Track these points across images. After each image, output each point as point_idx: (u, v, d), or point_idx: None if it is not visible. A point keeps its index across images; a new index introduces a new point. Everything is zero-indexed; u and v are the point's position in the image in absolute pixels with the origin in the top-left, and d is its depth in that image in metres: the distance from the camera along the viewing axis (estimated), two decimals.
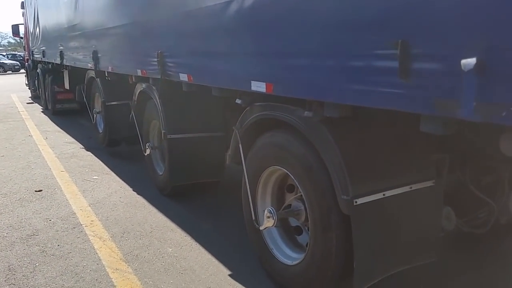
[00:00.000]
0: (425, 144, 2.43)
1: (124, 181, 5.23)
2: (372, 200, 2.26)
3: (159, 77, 3.93)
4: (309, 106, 2.33)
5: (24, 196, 4.77)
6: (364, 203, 2.24)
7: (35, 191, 4.91)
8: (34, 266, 3.25)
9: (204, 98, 4.09)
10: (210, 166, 4.41)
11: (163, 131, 4.33)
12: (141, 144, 5.10)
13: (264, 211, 3.02)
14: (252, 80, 2.63)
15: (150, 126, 4.97)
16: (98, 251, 3.46)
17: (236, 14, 2.71)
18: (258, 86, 2.58)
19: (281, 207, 2.93)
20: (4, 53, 45.43)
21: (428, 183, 2.42)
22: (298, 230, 2.99)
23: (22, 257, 3.39)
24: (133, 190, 4.91)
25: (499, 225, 2.79)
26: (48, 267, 3.23)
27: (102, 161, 6.17)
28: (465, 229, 2.77)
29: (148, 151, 4.87)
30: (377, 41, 1.77)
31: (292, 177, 2.63)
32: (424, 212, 2.47)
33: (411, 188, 2.37)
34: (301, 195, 2.73)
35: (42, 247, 3.54)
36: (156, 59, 3.90)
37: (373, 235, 2.30)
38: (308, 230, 2.89)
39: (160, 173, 4.82)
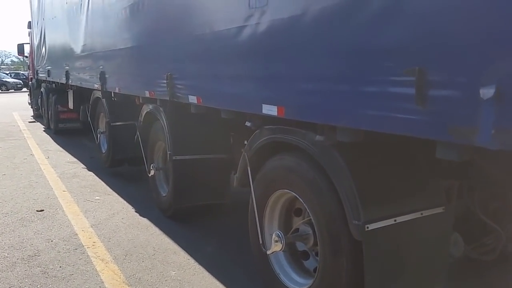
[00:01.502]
0: (434, 169, 2.43)
1: (127, 202, 5.20)
2: (384, 226, 2.24)
3: (168, 98, 3.95)
4: (321, 130, 2.34)
5: (26, 215, 4.73)
6: (376, 228, 2.22)
7: (37, 210, 4.87)
8: None
9: (210, 120, 4.13)
10: (215, 188, 4.40)
11: (168, 152, 4.33)
12: (146, 165, 5.09)
13: (271, 235, 3.00)
14: (264, 104, 2.64)
15: (155, 147, 4.97)
16: (100, 274, 3.41)
17: (248, 38, 2.74)
18: (269, 110, 2.59)
19: (289, 231, 2.91)
20: (8, 72, 45.80)
21: (439, 210, 2.41)
22: (305, 255, 2.95)
23: (23, 278, 3.33)
24: (136, 211, 4.88)
25: (507, 252, 2.78)
26: None
27: (104, 181, 6.14)
28: (472, 256, 2.75)
29: (152, 172, 4.85)
30: (394, 67, 1.78)
31: (302, 201, 2.62)
32: (434, 238, 2.45)
33: (422, 214, 2.36)
34: (310, 219, 2.72)
35: (44, 268, 3.49)
36: (165, 81, 3.93)
37: (384, 261, 2.28)
38: (316, 255, 2.88)
39: (164, 195, 4.79)
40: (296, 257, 2.96)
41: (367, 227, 2.20)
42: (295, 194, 2.70)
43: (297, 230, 2.86)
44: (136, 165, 6.43)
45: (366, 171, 2.34)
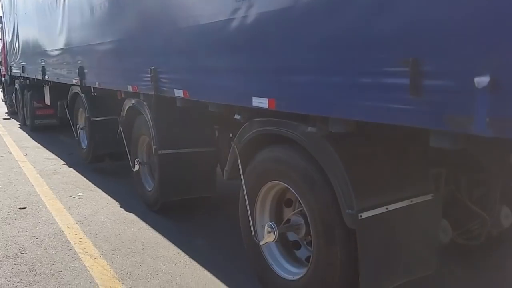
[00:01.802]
0: (422, 158, 2.50)
1: (111, 197, 5.14)
2: (376, 214, 2.30)
3: (152, 93, 3.92)
4: (313, 122, 2.37)
5: (8, 213, 4.63)
6: (369, 217, 2.27)
7: (19, 208, 4.78)
8: (24, 285, 3.15)
9: (195, 113, 4.12)
10: (201, 182, 4.41)
11: (154, 147, 4.30)
12: (129, 160, 5.04)
13: (263, 226, 3.02)
14: (254, 96, 2.65)
15: (139, 142, 4.92)
16: (89, 269, 3.38)
17: (236, 31, 2.74)
18: (260, 102, 2.61)
19: (280, 222, 2.95)
20: None
21: (427, 197, 2.48)
22: (297, 245, 2.99)
23: (11, 276, 3.28)
24: (121, 207, 4.83)
25: (492, 237, 2.88)
26: (40, 286, 3.14)
27: (85, 177, 6.05)
28: (459, 241, 2.84)
29: (137, 167, 4.81)
30: (387, 58, 1.82)
31: (294, 191, 2.65)
32: (424, 225, 2.53)
33: (411, 201, 2.42)
34: (301, 209, 2.76)
35: (31, 266, 3.44)
36: (149, 75, 3.90)
37: (378, 248, 2.34)
38: (307, 245, 2.93)
39: (149, 189, 4.76)
40: (287, 247, 2.99)
41: (361, 216, 2.25)
42: (286, 185, 2.74)
43: (288, 220, 2.90)
44: (117, 160, 6.37)
45: (358, 161, 2.39)
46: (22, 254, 3.63)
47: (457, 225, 2.74)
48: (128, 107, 4.92)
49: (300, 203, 2.89)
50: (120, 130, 5.21)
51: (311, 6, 2.19)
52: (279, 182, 2.81)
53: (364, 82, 1.94)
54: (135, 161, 4.84)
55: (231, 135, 4.33)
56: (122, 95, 5.03)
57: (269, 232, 2.76)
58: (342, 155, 2.33)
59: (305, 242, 2.94)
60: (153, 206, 4.66)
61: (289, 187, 2.70)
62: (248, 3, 2.59)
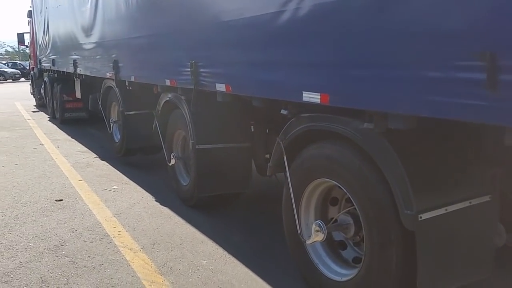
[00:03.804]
0: (481, 156, 2.40)
1: (145, 191, 5.15)
2: (436, 216, 2.21)
3: (192, 87, 3.88)
4: (370, 117, 2.29)
5: (45, 205, 4.68)
6: (428, 218, 2.19)
7: (56, 200, 4.82)
8: (67, 278, 3.16)
9: (232, 108, 4.08)
10: (237, 177, 4.37)
11: (191, 142, 4.27)
12: (165, 154, 5.03)
13: (307, 224, 2.98)
14: (304, 91, 2.59)
15: (175, 136, 4.91)
16: (130, 263, 3.37)
17: (287, 24, 2.67)
18: (311, 97, 2.54)
19: (326, 220, 2.88)
20: (4, 62, 45.42)
21: (485, 198, 2.38)
22: (342, 245, 2.92)
23: (53, 268, 3.29)
24: (156, 201, 4.83)
25: None
26: (82, 279, 3.14)
27: (119, 170, 6.09)
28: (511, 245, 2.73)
29: (173, 161, 4.80)
30: (460, 52, 1.73)
31: (345, 190, 2.58)
32: (481, 227, 2.43)
33: (470, 203, 2.33)
34: (350, 209, 2.69)
35: (72, 258, 3.45)
36: (189, 69, 3.86)
37: (436, 251, 2.25)
38: (354, 245, 2.86)
39: (185, 184, 4.75)
40: (333, 247, 2.93)
41: (420, 217, 2.16)
42: (336, 183, 2.66)
43: (335, 220, 2.83)
44: (149, 154, 6.41)
45: (417, 159, 2.30)
46: (62, 246, 3.66)
47: (510, 227, 2.63)
48: (165, 102, 4.90)
49: (347, 202, 2.84)
50: (156, 124, 5.21)
51: None
52: (328, 179, 2.74)
53: (433, 76, 1.85)
54: (171, 155, 4.83)
55: (267, 130, 4.31)
56: (159, 90, 5.01)
57: (317, 231, 2.69)
58: (400, 153, 2.24)
59: (351, 243, 2.87)
60: (188, 201, 4.64)
61: (339, 185, 2.62)
62: None
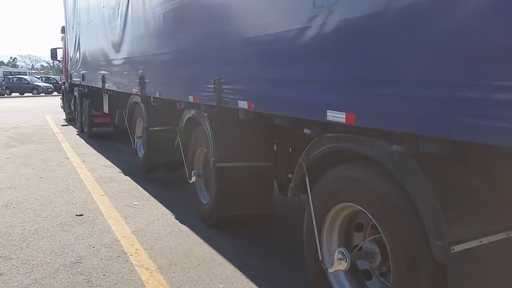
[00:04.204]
0: None
1: (166, 208, 5.08)
2: (469, 248, 2.02)
3: (215, 103, 3.81)
4: (399, 139, 2.13)
5: (65, 220, 4.65)
6: (461, 250, 2.00)
7: (76, 215, 4.79)
8: None
9: (255, 126, 3.98)
10: (259, 197, 4.25)
11: (212, 159, 4.18)
12: (186, 171, 4.96)
13: (330, 251, 2.82)
14: (328, 110, 2.46)
15: (196, 153, 4.84)
16: (146, 284, 3.27)
17: (312, 40, 2.56)
18: (335, 116, 2.41)
19: (349, 247, 2.71)
20: (39, 76, 47.01)
21: None
22: (367, 274, 2.74)
23: (67, 286, 3.22)
24: (176, 218, 4.75)
25: None
26: None
27: (141, 186, 6.05)
28: None
29: (193, 179, 4.72)
30: (504, 70, 1.57)
31: (371, 216, 2.41)
32: None
33: (507, 234, 2.13)
34: (376, 236, 2.52)
35: (87, 276, 3.37)
36: (212, 86, 3.79)
37: (470, 286, 2.05)
38: (380, 276, 2.67)
39: (205, 202, 4.65)
40: (357, 277, 2.75)
41: (453, 249, 1.98)
42: (361, 209, 2.50)
43: (360, 247, 2.65)
44: (172, 170, 6.36)
45: (449, 185, 2.13)
46: (78, 263, 3.59)
47: None
48: (187, 118, 4.85)
49: (373, 229, 2.67)
50: (178, 141, 5.16)
51: (407, 10, 1.96)
52: (352, 204, 2.57)
53: (470, 97, 1.69)
54: (192, 172, 4.75)
55: (290, 150, 4.19)
56: (182, 106, 4.98)
57: (340, 259, 2.53)
58: (432, 178, 2.07)
59: (377, 273, 2.68)
60: (208, 220, 4.54)
61: (365, 211, 2.46)
62: (328, 10, 2.41)
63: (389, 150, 2.20)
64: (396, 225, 2.24)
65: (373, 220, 2.39)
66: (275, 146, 4.27)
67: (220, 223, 4.42)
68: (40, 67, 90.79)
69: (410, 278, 2.17)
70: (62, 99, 15.67)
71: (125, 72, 6.75)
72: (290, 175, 4.06)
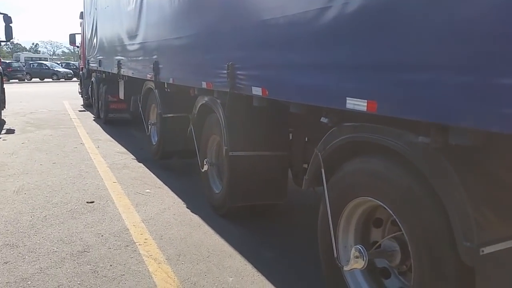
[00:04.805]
0: None
1: (177, 197, 4.98)
2: (500, 250, 1.84)
3: (228, 90, 3.65)
4: (426, 131, 1.94)
5: (76, 207, 4.58)
6: (491, 252, 1.82)
7: (87, 202, 4.72)
8: None
9: (270, 114, 3.82)
10: (272, 188, 4.10)
11: (225, 148, 4.03)
12: (198, 160, 4.83)
13: (346, 247, 2.66)
14: (348, 97, 2.27)
15: (209, 141, 4.70)
16: (153, 275, 3.16)
17: (332, 22, 2.37)
18: (356, 104, 2.22)
19: (367, 243, 2.55)
20: (59, 62, 47.55)
21: None
22: (386, 273, 2.57)
23: (72, 276, 3.12)
24: (187, 207, 4.64)
25: None
26: None
27: (154, 174, 5.96)
28: None
29: (206, 167, 4.59)
30: None
31: (392, 212, 2.23)
32: None
33: None
34: (397, 234, 2.34)
35: (94, 266, 3.28)
36: (225, 71, 3.63)
37: None
38: (400, 274, 2.50)
39: (217, 192, 4.52)
40: (374, 275, 2.58)
41: (482, 251, 1.80)
42: (381, 204, 2.32)
43: (379, 245, 2.48)
44: (186, 158, 6.26)
45: (479, 181, 1.93)
46: (85, 253, 3.49)
47: None
48: (201, 105, 4.71)
49: (393, 225, 2.50)
50: (191, 128, 5.03)
51: None
52: (371, 199, 2.40)
53: (507, 84, 1.50)
54: (204, 161, 4.62)
55: (306, 139, 4.01)
56: (195, 92, 4.83)
57: (356, 257, 2.36)
58: (461, 174, 1.88)
59: (396, 272, 2.51)
60: (219, 210, 4.41)
61: (385, 206, 2.28)
62: None
63: (415, 141, 2.02)
64: (419, 223, 2.06)
65: (394, 216, 2.22)
66: (290, 135, 4.12)
67: (232, 213, 4.29)
68: (61, 53, 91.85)
69: (433, 279, 2.00)
70: (80, 84, 15.74)
71: (140, 58, 6.62)
72: (305, 165, 3.91)
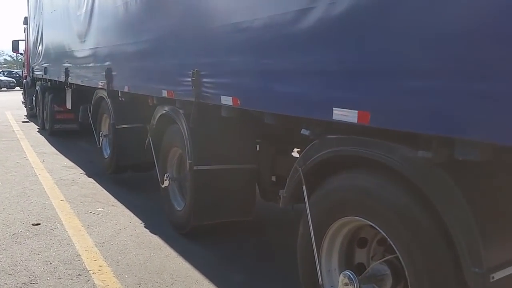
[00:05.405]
0: None
1: (134, 215, 4.59)
2: (510, 274, 1.68)
3: (193, 99, 3.36)
4: (426, 144, 1.76)
5: (20, 230, 4.09)
6: (503, 278, 1.65)
7: (32, 224, 4.23)
8: None
9: (235, 125, 3.57)
10: (240, 203, 3.84)
11: (188, 161, 3.73)
12: (158, 174, 4.48)
13: (329, 271, 2.44)
14: (335, 107, 2.07)
15: (170, 154, 4.36)
16: None
17: (318, 23, 2.16)
18: (345, 115, 2.02)
19: (351, 266, 2.34)
20: (0, 70, 45.11)
21: None
22: None
23: None
24: (145, 227, 4.26)
25: None
26: None
27: (106, 190, 5.51)
28: None
29: (166, 183, 4.25)
30: None
31: (385, 235, 2.02)
32: None
33: None
34: (388, 257, 2.15)
35: None
36: (190, 79, 3.35)
37: None
38: None
39: (179, 209, 4.19)
40: None
41: (492, 277, 1.63)
42: (372, 225, 2.11)
43: (362, 266, 2.29)
44: (142, 172, 5.85)
45: (486, 200, 1.76)
46: (32, 284, 3.06)
47: None
48: (160, 115, 4.37)
49: (379, 245, 2.32)
50: (149, 140, 4.66)
51: None
52: (360, 218, 2.18)
53: None
54: (165, 176, 4.27)
55: (275, 150, 3.79)
56: (154, 101, 4.48)
57: (346, 284, 2.14)
58: (467, 192, 1.71)
59: None
60: (182, 229, 4.08)
61: (378, 228, 2.07)
62: None
63: (412, 156, 1.82)
64: (418, 247, 1.86)
65: (389, 239, 2.01)
66: (258, 146, 3.88)
67: (197, 233, 3.97)
68: (3, 60, 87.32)
69: None
70: (24, 94, 14.81)
71: (91, 65, 6.19)
72: (273, 178, 3.69)
